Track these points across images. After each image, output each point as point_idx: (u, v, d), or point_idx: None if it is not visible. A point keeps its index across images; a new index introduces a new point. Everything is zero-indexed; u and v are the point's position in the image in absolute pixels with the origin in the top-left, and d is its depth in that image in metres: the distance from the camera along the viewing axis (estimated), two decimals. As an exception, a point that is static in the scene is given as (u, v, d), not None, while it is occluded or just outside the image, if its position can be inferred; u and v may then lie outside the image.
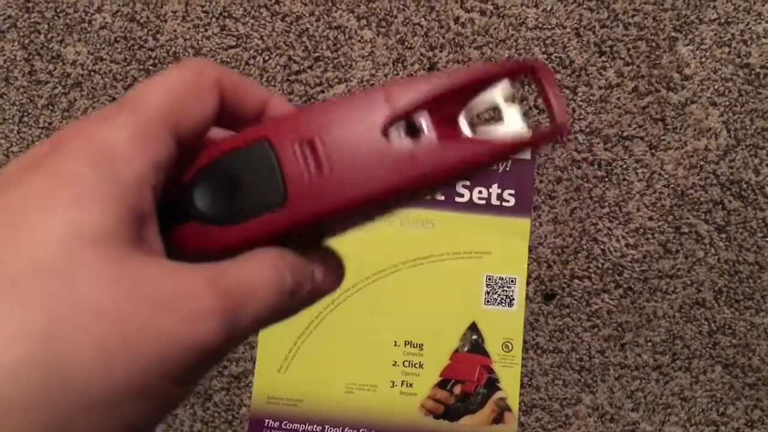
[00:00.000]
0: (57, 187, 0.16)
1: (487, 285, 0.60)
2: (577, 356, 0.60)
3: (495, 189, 0.60)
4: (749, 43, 0.61)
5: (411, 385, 0.59)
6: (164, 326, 0.16)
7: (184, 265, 0.18)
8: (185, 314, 0.16)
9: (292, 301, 0.19)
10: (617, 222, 0.60)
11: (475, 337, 0.59)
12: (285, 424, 0.59)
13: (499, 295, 0.59)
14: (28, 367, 0.15)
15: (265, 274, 0.18)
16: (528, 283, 0.60)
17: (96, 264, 0.16)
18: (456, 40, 0.61)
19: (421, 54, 0.61)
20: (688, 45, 0.61)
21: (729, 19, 0.61)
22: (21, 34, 0.63)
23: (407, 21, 0.62)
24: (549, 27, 0.61)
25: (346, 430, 0.59)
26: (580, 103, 0.61)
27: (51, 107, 0.62)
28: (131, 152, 0.17)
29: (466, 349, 0.59)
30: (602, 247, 0.60)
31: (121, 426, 0.16)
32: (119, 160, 0.17)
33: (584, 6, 0.61)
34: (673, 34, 0.61)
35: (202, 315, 0.17)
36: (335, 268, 0.22)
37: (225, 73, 0.20)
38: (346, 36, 0.62)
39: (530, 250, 0.60)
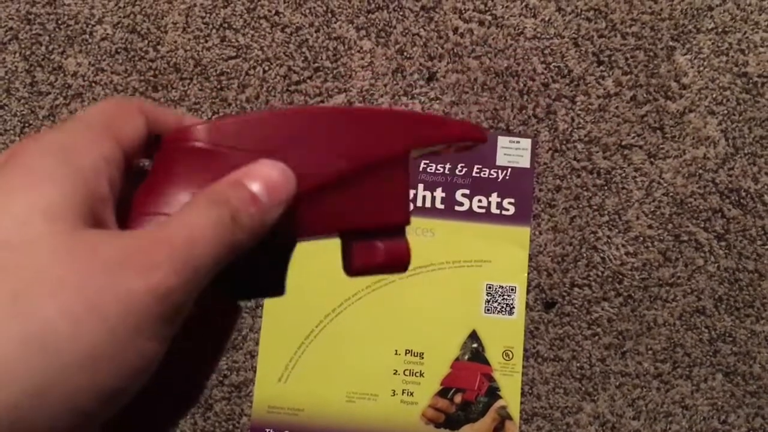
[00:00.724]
0: (17, 176, 0.18)
1: (488, 293, 0.60)
2: (578, 364, 0.60)
3: (495, 198, 0.61)
4: (747, 52, 0.61)
5: (412, 393, 0.59)
6: (121, 283, 0.17)
7: (132, 230, 0.20)
8: (138, 268, 0.17)
9: (240, 228, 0.20)
10: (617, 230, 0.60)
11: (475, 345, 0.59)
12: (286, 434, 0.59)
13: (500, 303, 0.60)
14: (2, 339, 0.16)
15: (200, 215, 0.19)
16: (528, 292, 0.60)
17: (53, 235, 0.17)
18: (455, 50, 0.62)
19: (420, 64, 0.62)
20: (686, 54, 0.61)
21: (726, 29, 0.61)
22: (22, 45, 0.63)
23: (406, 31, 0.62)
24: (547, 37, 0.62)
25: (347, 439, 0.59)
26: (579, 112, 0.61)
27: (52, 118, 0.63)
28: (83, 146, 0.20)
29: (466, 357, 0.59)
30: (602, 255, 0.60)
31: (101, 387, 0.17)
32: (74, 150, 0.19)
33: (582, 16, 0.62)
34: (671, 43, 0.61)
35: (153, 265, 0.17)
36: (278, 180, 0.22)
37: (143, 102, 0.23)
38: (346, 46, 0.62)
39: (530, 259, 0.60)
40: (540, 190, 0.61)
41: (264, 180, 0.21)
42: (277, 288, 0.24)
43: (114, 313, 0.17)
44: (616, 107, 0.61)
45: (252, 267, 0.23)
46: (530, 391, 0.59)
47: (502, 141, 0.61)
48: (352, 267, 0.24)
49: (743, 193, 0.60)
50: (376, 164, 0.24)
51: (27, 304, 0.16)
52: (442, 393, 0.59)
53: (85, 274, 0.17)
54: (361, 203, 0.24)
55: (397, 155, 0.24)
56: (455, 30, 0.62)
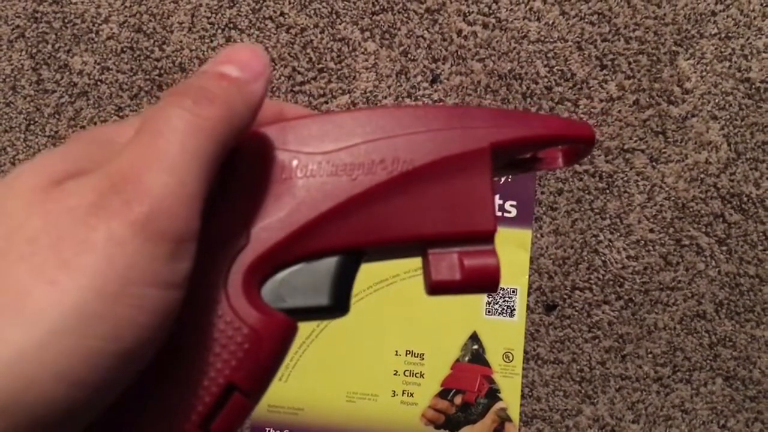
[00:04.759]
0: (40, 159, 0.17)
1: (489, 295, 0.60)
2: (578, 367, 0.60)
3: (496, 200, 0.61)
4: (749, 57, 0.61)
5: (412, 394, 0.59)
6: (94, 229, 0.15)
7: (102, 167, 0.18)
8: (110, 206, 0.16)
9: (215, 104, 0.18)
10: (618, 234, 0.60)
11: (476, 347, 0.60)
12: (286, 433, 0.59)
13: (500, 305, 0.60)
14: None
15: (163, 114, 0.17)
16: (529, 294, 0.60)
17: (33, 191, 0.16)
18: (459, 53, 0.62)
19: (424, 66, 0.62)
20: (688, 59, 0.61)
21: (729, 34, 0.61)
22: (29, 43, 0.63)
23: (410, 33, 0.62)
24: (551, 40, 0.62)
25: (346, 439, 0.59)
26: (582, 115, 0.61)
27: (57, 116, 0.63)
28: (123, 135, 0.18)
29: (467, 359, 0.60)
30: (603, 258, 0.60)
31: (96, 352, 0.15)
32: (115, 143, 0.18)
33: (586, 20, 0.62)
34: (674, 48, 0.62)
35: (126, 197, 0.16)
36: (247, 57, 0.20)
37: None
38: (350, 48, 0.62)
39: (531, 261, 0.60)
40: (542, 192, 0.61)
41: (232, 61, 0.19)
42: (340, 308, 0.22)
43: (92, 265, 0.15)
44: (619, 111, 0.61)
45: (314, 286, 0.21)
46: (530, 394, 0.59)
47: (505, 143, 0.61)
48: (430, 283, 0.21)
49: (745, 198, 0.60)
50: (457, 163, 0.21)
51: (5, 277, 0.15)
52: (442, 394, 0.59)
53: (55, 228, 0.15)
54: (438, 207, 0.21)
55: (479, 152, 0.21)
56: (459, 32, 0.62)
